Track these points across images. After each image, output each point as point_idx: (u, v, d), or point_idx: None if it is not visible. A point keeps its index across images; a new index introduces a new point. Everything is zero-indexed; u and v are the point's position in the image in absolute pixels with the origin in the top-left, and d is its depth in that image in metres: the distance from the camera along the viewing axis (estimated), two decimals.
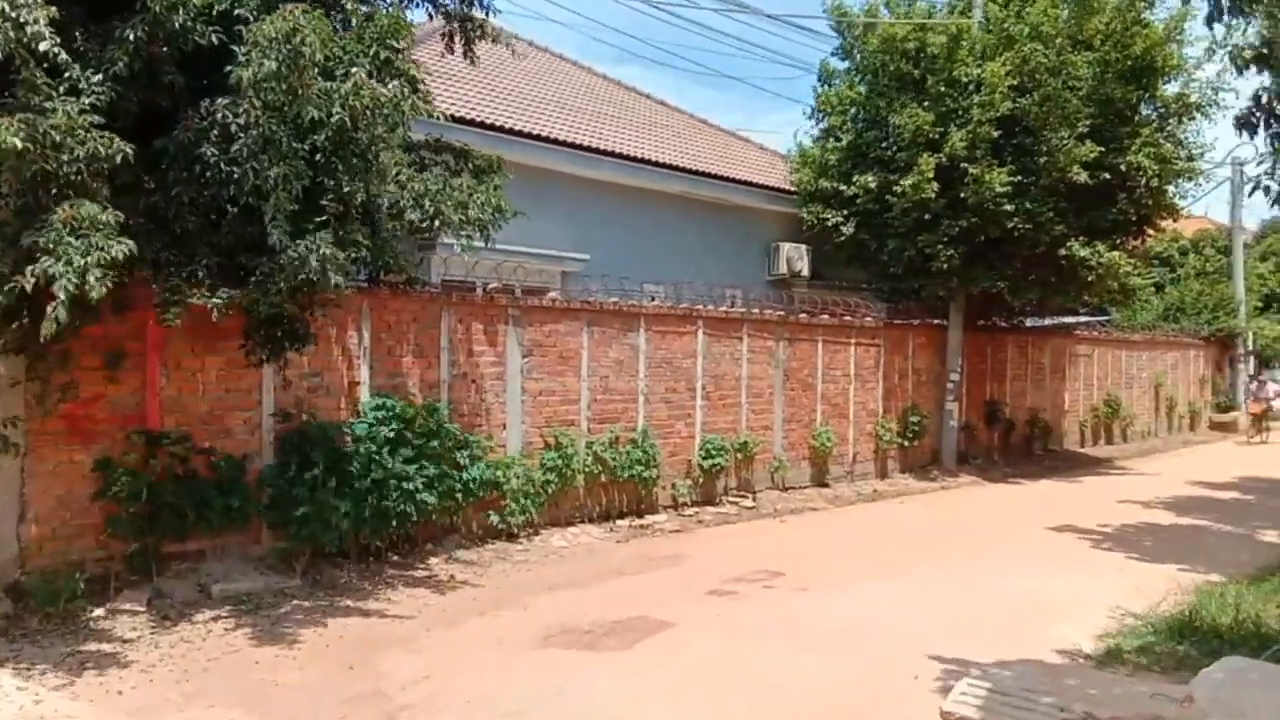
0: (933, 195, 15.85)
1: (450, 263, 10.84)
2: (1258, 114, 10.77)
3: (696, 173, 16.90)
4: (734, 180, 17.59)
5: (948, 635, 7.37)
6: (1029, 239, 16.39)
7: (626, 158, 15.74)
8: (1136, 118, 17.12)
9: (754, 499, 13.84)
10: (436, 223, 8.62)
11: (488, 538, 10.50)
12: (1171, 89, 17.20)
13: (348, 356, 9.47)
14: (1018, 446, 20.48)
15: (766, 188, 18.25)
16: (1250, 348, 31.91)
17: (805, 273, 18.15)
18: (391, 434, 9.31)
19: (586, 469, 11.64)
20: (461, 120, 13.05)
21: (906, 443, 17.03)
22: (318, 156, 7.20)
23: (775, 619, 7.85)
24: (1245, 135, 11.50)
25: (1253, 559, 10.59)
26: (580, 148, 15.03)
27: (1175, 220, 19.26)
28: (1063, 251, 16.60)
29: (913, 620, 7.85)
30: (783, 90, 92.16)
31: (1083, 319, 24.31)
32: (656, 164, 16.24)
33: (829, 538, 11.70)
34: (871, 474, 16.49)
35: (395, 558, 9.51)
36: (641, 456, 12.13)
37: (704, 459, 13.18)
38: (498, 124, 13.81)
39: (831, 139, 18.00)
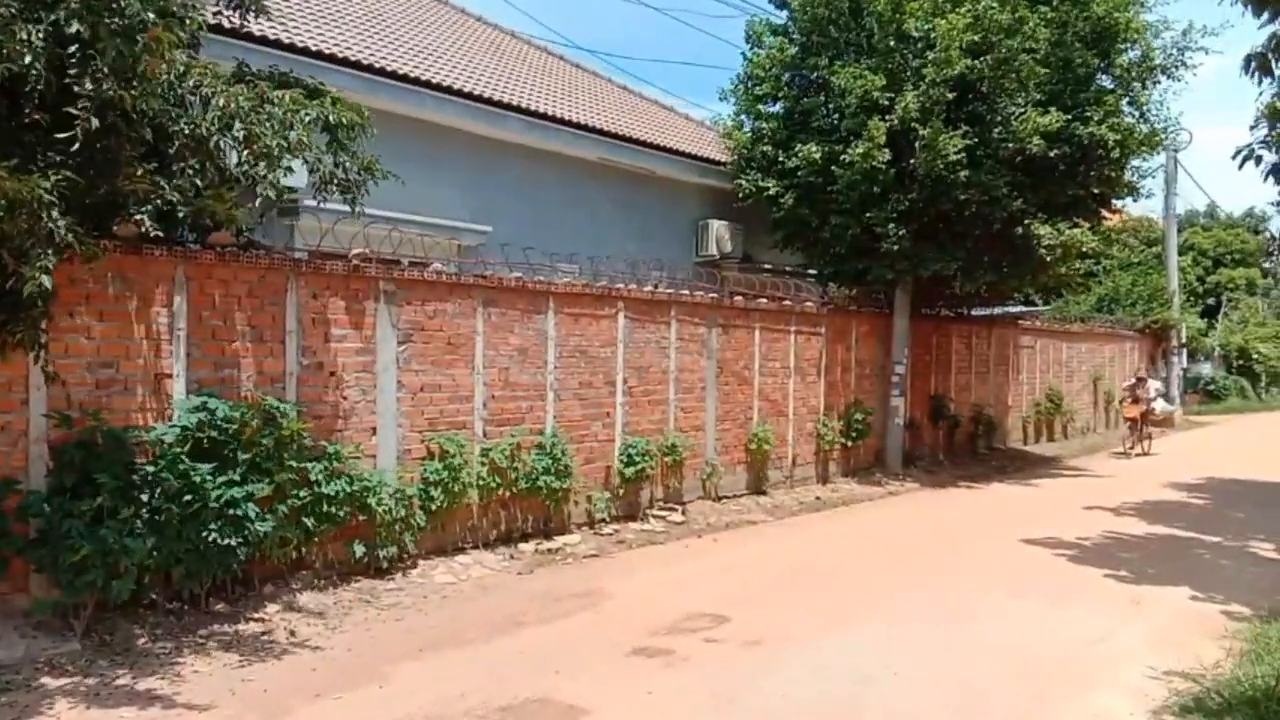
0: (883, 165, 14.06)
1: (318, 233, 8.54)
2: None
3: (616, 136, 14.82)
4: (659, 148, 15.56)
5: None
6: (983, 216, 14.74)
7: (535, 115, 13.57)
8: (1096, 85, 15.58)
9: (684, 512, 11.83)
10: (261, 166, 6.36)
11: (350, 574, 8.27)
12: (1133, 54, 15.68)
13: (154, 340, 7.13)
14: (962, 445, 18.91)
15: (695, 158, 16.28)
16: (1183, 340, 31.15)
17: (737, 254, 16.25)
18: (213, 443, 7.04)
19: (481, 482, 9.47)
20: (326, 57, 10.77)
21: (850, 443, 15.24)
22: (71, 50, 4.95)
23: (725, 698, 5.80)
24: (1256, 79, 9.97)
25: (1264, 580, 8.98)
26: (481, 100, 12.82)
27: (1135, 200, 17.88)
28: (1019, 230, 15.00)
29: (904, 696, 5.88)
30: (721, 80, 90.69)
31: (1022, 309, 23.02)
32: (570, 124, 14.11)
33: (776, 563, 9.74)
34: (813, 478, 14.63)
35: (220, 606, 7.23)
36: (550, 465, 10.02)
37: (626, 466, 11.11)
38: (377, 65, 11.52)
39: (765, 105, 16.17)
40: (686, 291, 12.39)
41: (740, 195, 15.68)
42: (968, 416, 19.09)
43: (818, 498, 13.68)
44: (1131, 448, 21.28)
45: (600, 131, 14.53)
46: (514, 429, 9.88)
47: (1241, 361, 38.29)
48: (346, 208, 7.65)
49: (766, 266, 16.48)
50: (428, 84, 12.16)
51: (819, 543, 10.80)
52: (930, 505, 13.67)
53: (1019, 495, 14.81)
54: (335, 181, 7.49)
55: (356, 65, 11.15)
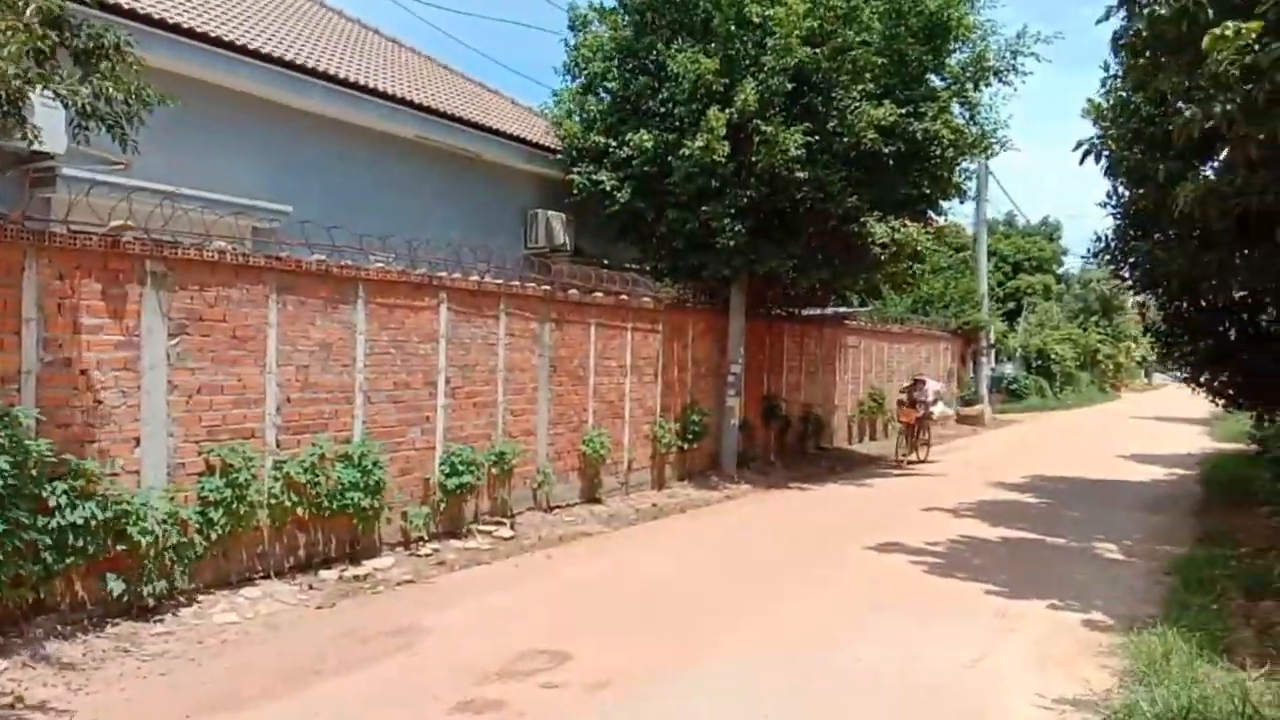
0: (723, 159, 13.42)
1: (78, 206, 6.95)
2: None
3: (436, 113, 13.54)
4: (484, 129, 14.37)
5: None
6: (819, 212, 14.38)
7: (343, 83, 12.14)
8: (929, 83, 15.50)
9: (513, 525, 10.72)
10: None
11: (108, 615, 6.77)
12: (966, 54, 15.69)
13: None
14: (793, 445, 18.62)
15: (525, 142, 15.17)
16: (991, 341, 32.39)
17: (568, 246, 15.26)
18: None
19: (273, 501, 8.10)
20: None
21: (686, 445, 14.53)
22: None
23: None
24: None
25: (1118, 585, 8.76)
26: (280, 63, 11.31)
27: (962, 201, 18.05)
28: (854, 227, 14.71)
29: None
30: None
31: (847, 310, 23.10)
32: (383, 95, 12.73)
33: (617, 582, 8.81)
34: (649, 484, 13.82)
35: None
36: (358, 478, 8.72)
37: (448, 477, 9.92)
38: (155, 17, 9.86)
39: (595, 94, 15.30)
40: (517, 282, 11.31)
41: (575, 189, 14.71)
42: (798, 416, 18.84)
43: (655, 504, 12.86)
44: (907, 454, 19.18)
45: (418, 107, 13.22)
46: (315, 437, 8.53)
47: (1040, 362, 40.42)
48: (115, 178, 6.22)
49: (601, 260, 15.57)
50: (216, 40, 10.58)
51: (661, 556, 9.94)
52: (770, 509, 13.10)
53: (855, 496, 14.49)
54: (97, 115, 6.08)
55: (130, 14, 9.47)
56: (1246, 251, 10.89)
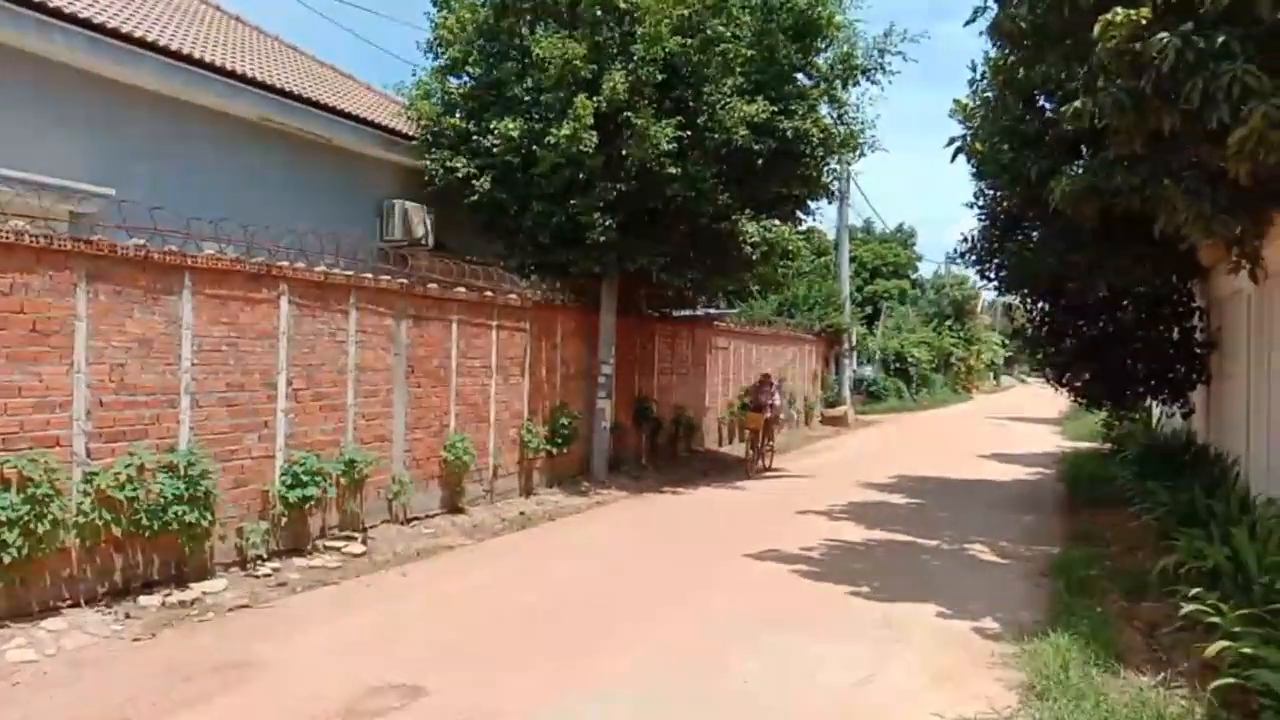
0: (590, 149, 12.83)
1: None
2: None
3: (282, 93, 12.48)
4: (335, 112, 13.36)
5: None
6: (691, 210, 13.96)
7: (177, 56, 10.99)
8: (799, 81, 15.31)
9: (365, 540, 9.83)
10: None
11: None
12: (834, 53, 15.56)
13: None
14: (664, 448, 18.18)
15: (380, 128, 14.23)
16: (853, 344, 32.89)
17: (429, 239, 14.39)
18: None
19: (83, 518, 7.05)
20: None
21: (555, 450, 13.85)
22: None
23: None
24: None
25: (999, 589, 8.57)
26: (104, 31, 10.11)
27: (830, 201, 17.94)
28: (725, 226, 14.37)
29: None
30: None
31: (716, 311, 22.90)
32: (225, 73, 11.63)
33: (479, 601, 8.07)
34: (516, 490, 13.09)
35: None
36: (184, 491, 7.72)
37: (290, 488, 8.96)
38: None
39: (456, 77, 14.51)
40: (370, 275, 10.41)
41: (430, 177, 13.87)
42: (670, 419, 18.41)
43: (522, 513, 12.14)
44: (754, 461, 17.66)
45: (261, 85, 12.14)
46: (133, 446, 7.50)
47: (898, 364, 41.40)
48: None
49: (464, 256, 14.72)
50: (27, 2, 9.34)
51: (528, 571, 9.25)
52: (643, 516, 12.56)
53: (729, 501, 14.11)
54: None
55: None
56: (1114, 251, 10.98)
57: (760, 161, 14.73)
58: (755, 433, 17.75)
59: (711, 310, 22.07)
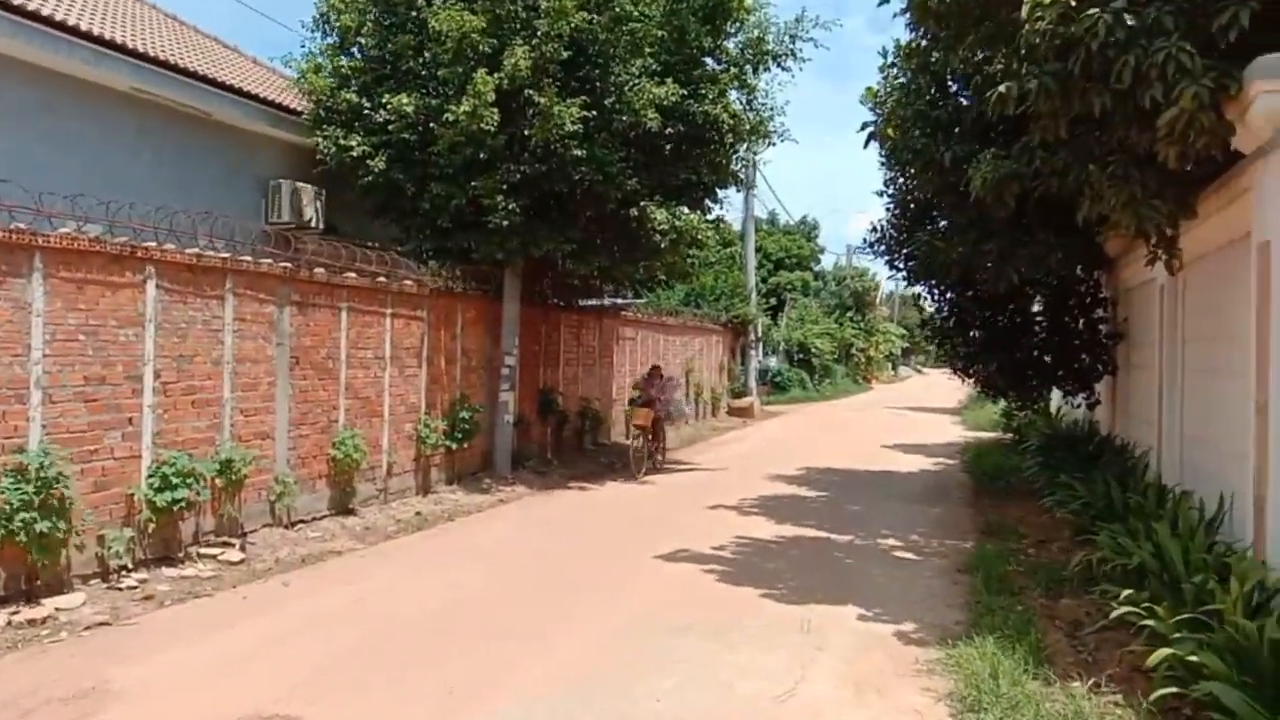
0: (492, 127, 12.20)
1: None
2: None
3: (156, 62, 11.50)
4: (214, 83, 12.42)
5: None
6: (598, 194, 13.42)
7: (30, 15, 9.97)
8: (709, 65, 14.91)
9: (243, 546, 9.05)
10: None
11: None
12: (745, 37, 15.19)
13: None
14: (570, 442, 17.66)
15: (265, 103, 13.32)
16: (759, 334, 32.84)
17: (319, 222, 13.55)
18: None
19: None
20: None
21: (455, 445, 13.19)
22: None
23: None
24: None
25: (915, 587, 8.30)
26: None
27: (739, 189, 17.58)
28: (634, 212, 13.87)
29: None
30: None
31: (624, 301, 22.45)
32: (90, 38, 10.63)
33: (367, 614, 7.42)
34: (412, 489, 12.40)
35: None
36: (33, 497, 6.89)
37: (158, 491, 8.14)
38: None
39: (349, 53, 13.68)
40: (249, 258, 9.60)
41: (321, 154, 13.02)
42: (576, 411, 17.89)
43: (419, 513, 11.47)
44: (641, 461, 15.55)
45: (130, 53, 11.16)
46: None
47: (802, 355, 41.64)
48: None
49: (358, 241, 13.91)
50: None
51: (422, 578, 8.62)
52: (549, 514, 12.01)
53: (637, 496, 13.65)
54: None
55: None
56: (1027, 240, 10.85)
57: (669, 146, 14.33)
58: (643, 429, 15.89)
59: (619, 300, 21.62)
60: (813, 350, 42.32)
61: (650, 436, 16.08)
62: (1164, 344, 9.34)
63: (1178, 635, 5.06)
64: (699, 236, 14.44)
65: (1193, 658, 4.73)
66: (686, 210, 14.54)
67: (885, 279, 54.43)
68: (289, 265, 10.16)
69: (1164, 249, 8.17)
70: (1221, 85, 5.88)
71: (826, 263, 59.00)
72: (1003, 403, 23.49)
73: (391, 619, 7.15)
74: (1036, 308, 13.50)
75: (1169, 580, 6.26)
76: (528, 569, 8.89)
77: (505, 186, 12.69)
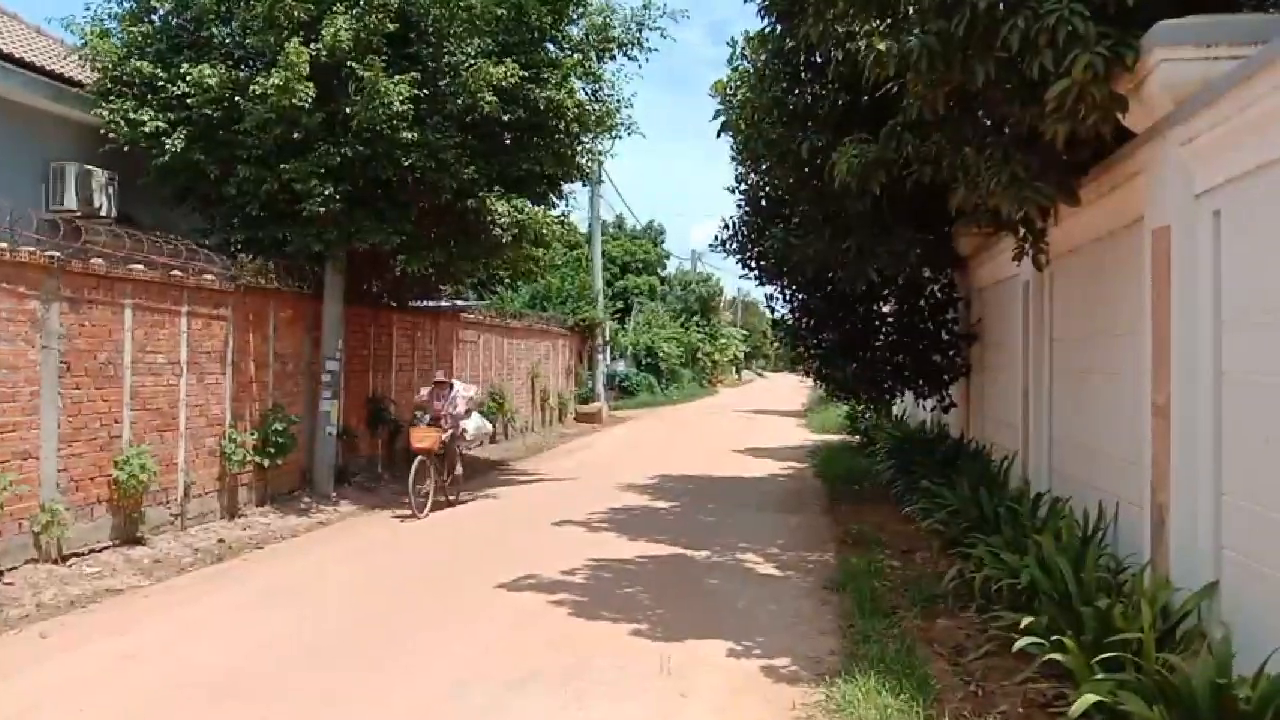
0: (307, 104, 10.91)
1: None
2: None
3: None
4: None
5: None
6: (431, 183, 12.29)
7: None
8: (551, 50, 13.94)
9: None
10: None
11: None
12: (588, 22, 14.29)
13: None
14: (402, 453, 16.27)
15: (41, 71, 11.53)
16: (607, 338, 32.06)
17: (111, 211, 11.86)
18: None
19: None
20: None
21: (268, 461, 11.75)
22: None
23: None
24: None
25: (783, 611, 7.56)
26: None
27: (585, 183, 16.61)
28: (472, 204, 12.77)
29: None
30: None
31: (464, 302, 21.23)
32: None
33: (142, 671, 6.09)
34: (216, 513, 10.91)
35: None
36: None
37: None
38: None
39: (144, 20, 12.09)
40: (4, 245, 8.02)
41: (109, 130, 11.37)
42: (408, 420, 16.51)
43: (222, 540, 10.02)
44: (424, 501, 11.89)
45: None
46: None
47: (649, 359, 41.18)
48: None
49: (156, 232, 12.27)
50: None
51: (216, 623, 7.29)
52: (375, 538, 10.75)
53: (478, 513, 12.52)
54: None
55: None
56: (885, 237, 10.36)
57: (510, 135, 13.36)
58: (428, 454, 11.99)
59: (458, 301, 20.39)
60: (660, 354, 41.94)
61: (441, 463, 12.47)
62: (1030, 344, 8.94)
63: (1096, 676, 4.40)
64: (543, 232, 13.45)
65: (1102, 698, 4.09)
66: (530, 204, 13.53)
67: (738, 276, 54.73)
68: (57, 255, 8.59)
69: (1031, 244, 7.73)
70: (1116, 54, 5.33)
71: (672, 268, 59.02)
72: (846, 405, 23.68)
73: (168, 682, 5.85)
74: (889, 308, 13.11)
75: (1060, 600, 5.68)
76: (346, 608, 7.68)
77: (323, 170, 11.39)
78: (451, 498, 12.79)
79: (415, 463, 11.93)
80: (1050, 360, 8.54)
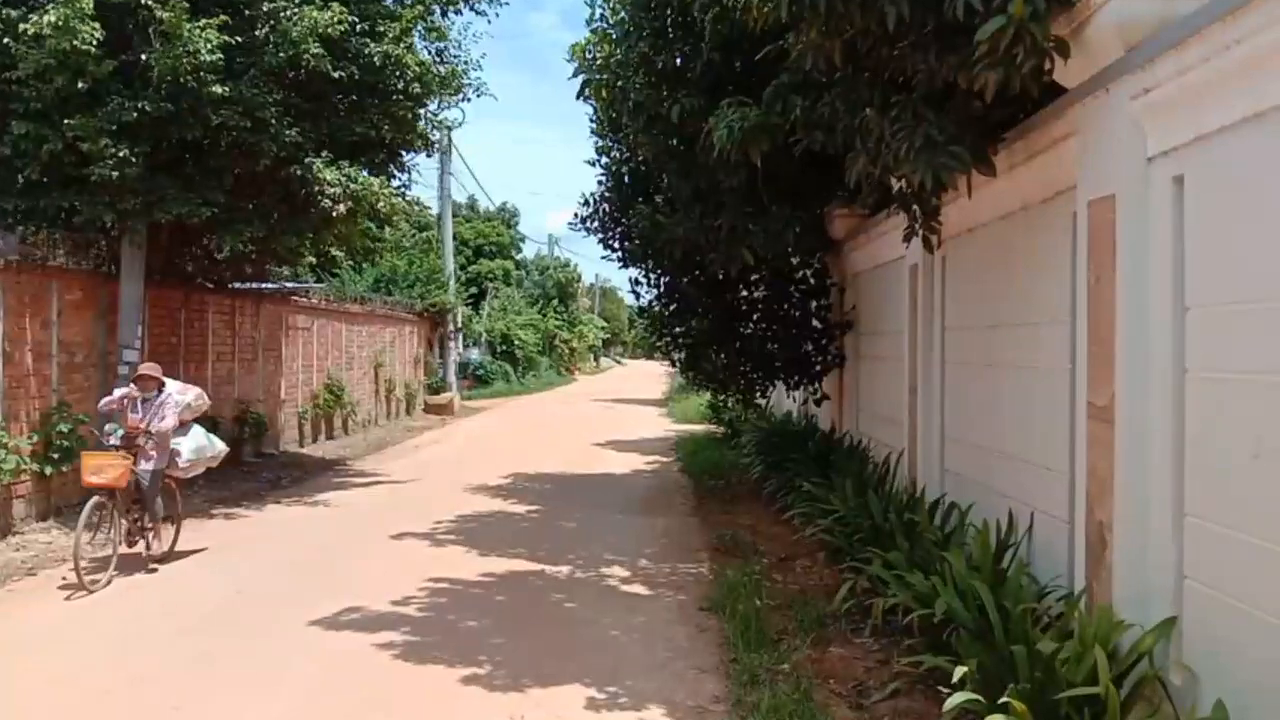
0: (93, 47, 9.25)
1: None
2: None
3: None
4: None
5: None
6: (249, 147, 10.74)
7: None
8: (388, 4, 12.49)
9: None
10: None
11: None
12: None
13: None
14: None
15: None
16: (459, 325, 30.49)
17: None
18: None
19: None
20: None
21: (51, 469, 9.99)
22: None
23: None
24: None
25: (653, 641, 6.53)
26: None
27: (430, 154, 15.08)
28: (297, 171, 11.26)
29: None
30: None
31: (296, 285, 19.47)
32: None
33: None
34: None
35: None
36: None
37: None
38: None
39: None
40: None
41: None
42: (231, 417, 14.82)
43: None
44: (108, 560, 8.08)
45: None
46: None
47: (505, 347, 39.76)
48: None
49: None
50: None
51: None
52: (175, 558, 9.15)
53: (304, 522, 11.03)
54: None
55: None
56: (761, 216, 9.46)
57: (342, 95, 11.88)
58: (110, 496, 8.06)
59: (290, 284, 18.64)
60: (516, 342, 40.56)
61: (141, 505, 8.46)
62: (919, 333, 8.16)
63: None
64: (380, 206, 11.98)
65: None
66: (366, 174, 12.07)
67: (599, 258, 53.79)
68: None
69: (923, 223, 6.94)
70: None
71: (530, 253, 57.56)
72: (709, 395, 22.95)
73: None
74: (760, 294, 12.25)
75: (981, 635, 4.82)
76: (119, 658, 6.18)
77: (115, 128, 9.71)
78: (157, 549, 8.53)
79: (88, 506, 7.80)
80: (942, 351, 7.78)
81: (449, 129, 27.02)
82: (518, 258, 52.62)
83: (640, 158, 11.00)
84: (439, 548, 9.48)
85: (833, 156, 6.88)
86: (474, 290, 42.93)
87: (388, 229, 13.79)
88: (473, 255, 46.91)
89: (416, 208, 39.26)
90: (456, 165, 31.62)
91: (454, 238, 44.33)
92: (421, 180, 42.27)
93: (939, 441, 7.74)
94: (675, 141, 9.50)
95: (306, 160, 11.20)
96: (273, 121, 10.68)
